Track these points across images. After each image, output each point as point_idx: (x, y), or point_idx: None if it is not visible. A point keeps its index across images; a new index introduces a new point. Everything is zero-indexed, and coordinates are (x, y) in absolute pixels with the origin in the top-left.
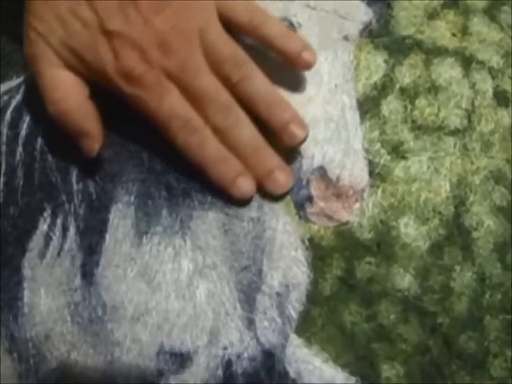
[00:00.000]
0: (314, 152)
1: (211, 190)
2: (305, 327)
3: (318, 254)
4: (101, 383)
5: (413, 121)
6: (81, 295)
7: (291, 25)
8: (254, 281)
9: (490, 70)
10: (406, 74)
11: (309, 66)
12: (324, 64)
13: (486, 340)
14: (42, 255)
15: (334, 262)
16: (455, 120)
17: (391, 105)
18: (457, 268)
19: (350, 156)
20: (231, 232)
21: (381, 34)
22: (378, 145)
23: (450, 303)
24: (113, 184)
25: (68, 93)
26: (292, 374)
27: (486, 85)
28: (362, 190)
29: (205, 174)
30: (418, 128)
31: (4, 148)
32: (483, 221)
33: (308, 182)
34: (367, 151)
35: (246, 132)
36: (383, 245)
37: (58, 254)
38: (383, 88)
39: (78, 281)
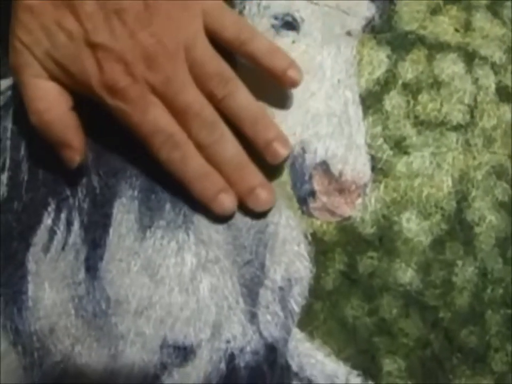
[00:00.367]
0: (317, 147)
1: None
2: (308, 321)
3: (321, 249)
4: (104, 376)
5: (416, 117)
6: (85, 289)
7: (294, 21)
8: (257, 275)
9: (493, 66)
10: (408, 70)
11: (294, 84)
12: (326, 60)
13: (487, 334)
14: (46, 249)
15: (337, 257)
16: (457, 115)
17: (393, 101)
18: (459, 262)
19: (353, 151)
20: (234, 226)
21: (384, 29)
22: (380, 141)
23: (451, 297)
24: (117, 179)
25: (51, 104)
26: (294, 367)
27: (489, 81)
28: (365, 185)
29: (187, 189)
30: (421, 124)
31: (8, 142)
32: (485, 216)
33: (311, 177)
34: (369, 146)
35: (230, 148)
36: (385, 239)
37: (63, 248)
38: (385, 84)
39: (82, 275)
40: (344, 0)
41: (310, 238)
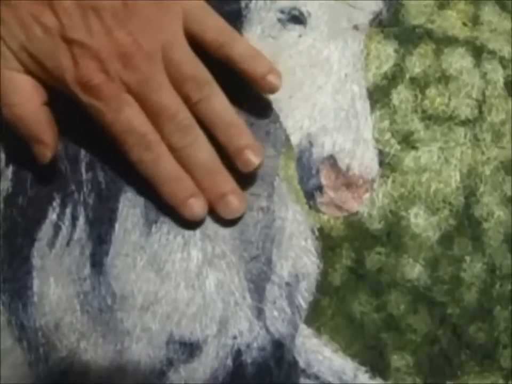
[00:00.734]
0: (324, 141)
1: None
2: (315, 317)
3: (328, 244)
4: (110, 372)
5: (423, 111)
6: (90, 285)
7: (301, 14)
8: (264, 271)
9: (501, 60)
10: (416, 64)
11: (273, 89)
12: (333, 54)
13: (496, 330)
14: (51, 244)
15: (344, 252)
16: (465, 110)
17: (401, 95)
18: (467, 258)
19: (360, 145)
20: (241, 221)
21: (391, 23)
22: (388, 135)
23: (460, 293)
24: (122, 174)
25: (25, 98)
26: (302, 364)
27: (497, 75)
28: (373, 180)
29: (158, 191)
30: (429, 118)
31: None
32: (493, 211)
33: (318, 171)
34: (377, 140)
35: (203, 153)
36: (393, 235)
37: (68, 244)
38: (393, 78)
39: (87, 270)
40: None
41: (317, 233)
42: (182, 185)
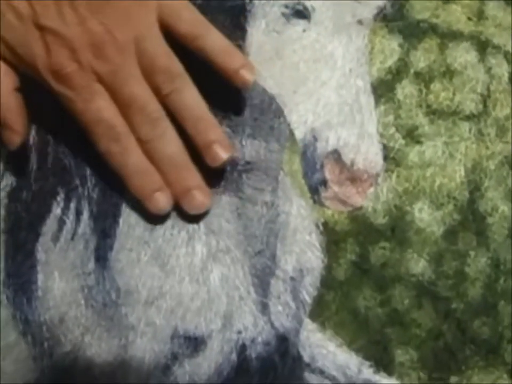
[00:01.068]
0: (329, 136)
1: (225, 174)
2: (319, 311)
3: (332, 239)
4: (115, 366)
5: (428, 106)
6: (95, 279)
7: (305, 9)
8: (268, 265)
9: (506, 55)
10: (420, 59)
11: (246, 84)
12: (338, 48)
13: (500, 325)
14: (56, 239)
15: (348, 247)
16: (470, 105)
17: (405, 90)
18: (472, 253)
19: (365, 140)
20: (245, 216)
21: (396, 18)
22: (393, 130)
23: (464, 288)
24: None
25: None
26: (306, 358)
27: (502, 70)
28: (377, 175)
29: (124, 183)
30: (433, 113)
31: None
32: (498, 206)
33: (322, 165)
34: (381, 135)
35: (170, 146)
36: (397, 230)
37: (72, 238)
38: (397, 73)
39: (91, 265)
40: None
41: (321, 227)
42: (148, 178)
